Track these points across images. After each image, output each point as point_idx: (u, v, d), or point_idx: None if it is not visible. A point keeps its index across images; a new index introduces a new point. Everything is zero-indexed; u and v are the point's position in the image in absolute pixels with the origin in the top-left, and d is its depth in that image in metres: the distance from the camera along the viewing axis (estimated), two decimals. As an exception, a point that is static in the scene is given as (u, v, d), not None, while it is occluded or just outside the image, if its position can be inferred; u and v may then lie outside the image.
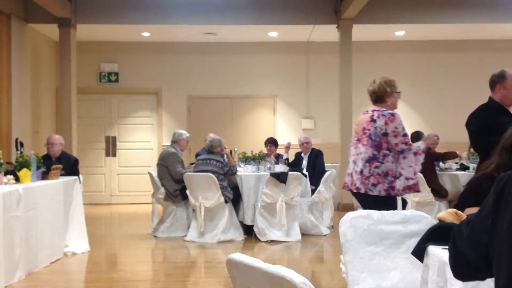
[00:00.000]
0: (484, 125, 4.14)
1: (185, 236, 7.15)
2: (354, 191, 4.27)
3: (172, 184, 7.44)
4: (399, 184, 4.14)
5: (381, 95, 4.30)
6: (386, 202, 4.08)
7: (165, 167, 7.52)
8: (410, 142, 4.21)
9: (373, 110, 4.29)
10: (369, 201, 4.16)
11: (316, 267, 6.02)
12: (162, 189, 7.51)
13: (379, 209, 3.74)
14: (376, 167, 4.15)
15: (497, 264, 1.30)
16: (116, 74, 11.64)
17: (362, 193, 4.19)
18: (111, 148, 11.75)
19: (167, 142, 10.92)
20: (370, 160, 4.17)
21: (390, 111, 4.22)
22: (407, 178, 4.14)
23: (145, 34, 10.89)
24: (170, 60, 11.65)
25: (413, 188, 4.20)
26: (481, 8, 9.75)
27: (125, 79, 11.65)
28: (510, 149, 2.78)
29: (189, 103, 11.72)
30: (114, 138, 11.76)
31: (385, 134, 4.15)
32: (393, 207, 3.98)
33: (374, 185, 4.14)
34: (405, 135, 4.16)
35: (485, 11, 9.77)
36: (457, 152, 7.53)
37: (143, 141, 11.77)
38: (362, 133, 4.28)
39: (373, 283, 2.84)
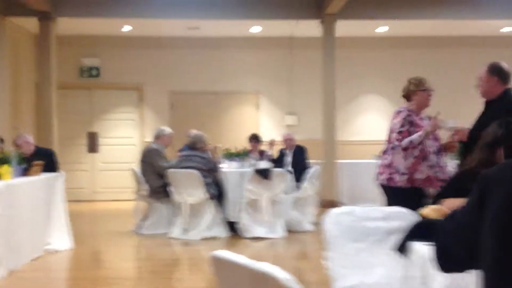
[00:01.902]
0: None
1: (169, 233, 7.11)
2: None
3: (156, 180, 7.39)
4: (398, 177, 4.37)
5: (407, 94, 4.52)
6: (390, 193, 4.39)
7: (148, 164, 7.47)
8: (405, 138, 4.31)
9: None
10: (380, 190, 4.53)
11: (301, 264, 6.03)
12: (145, 186, 7.46)
13: (386, 199, 4.30)
14: (385, 158, 4.48)
15: (482, 262, 1.32)
16: (98, 68, 11.54)
17: (376, 181, 4.56)
18: (93, 144, 11.65)
19: (149, 138, 10.85)
20: (383, 153, 4.55)
21: (401, 108, 4.45)
22: (401, 173, 4.36)
23: (127, 28, 10.80)
24: (152, 55, 11.58)
25: (416, 183, 4.32)
26: (463, 5, 9.83)
27: (106, 74, 11.55)
28: (491, 145, 2.82)
29: (172, 98, 11.66)
30: (96, 134, 11.66)
31: (391, 129, 4.47)
32: (397, 199, 4.03)
33: (380, 174, 4.50)
34: (399, 132, 4.33)
35: (467, 8, 9.85)
36: None
37: (125, 137, 11.68)
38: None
39: (357, 279, 2.85)
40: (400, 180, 4.33)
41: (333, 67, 9.87)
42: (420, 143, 4.29)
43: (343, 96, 11.24)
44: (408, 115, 4.38)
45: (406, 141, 4.32)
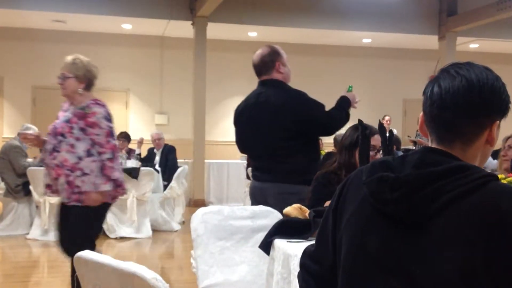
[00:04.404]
0: None
1: (27, 234, 6.77)
2: None
3: (14, 178, 6.99)
4: None
5: None
6: None
7: (6, 161, 7.05)
8: None
9: None
10: None
11: (166, 263, 6.02)
12: (2, 184, 7.04)
13: None
14: None
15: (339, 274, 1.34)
16: (-49, 58, 10.63)
17: None
18: None
19: (8, 134, 10.22)
20: None
21: None
22: None
23: (-14, 17, 10.06)
24: (13, 47, 10.88)
25: None
26: (329, 16, 10.36)
27: (-39, 65, 10.67)
28: (349, 148, 3.05)
29: (34, 93, 11.05)
30: None
31: None
32: None
33: None
34: None
35: (333, 19, 10.40)
36: None
37: (-20, 133, 10.88)
38: None
39: (222, 277, 2.91)
40: None
41: (204, 69, 9.94)
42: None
43: (213, 97, 11.36)
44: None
45: None
